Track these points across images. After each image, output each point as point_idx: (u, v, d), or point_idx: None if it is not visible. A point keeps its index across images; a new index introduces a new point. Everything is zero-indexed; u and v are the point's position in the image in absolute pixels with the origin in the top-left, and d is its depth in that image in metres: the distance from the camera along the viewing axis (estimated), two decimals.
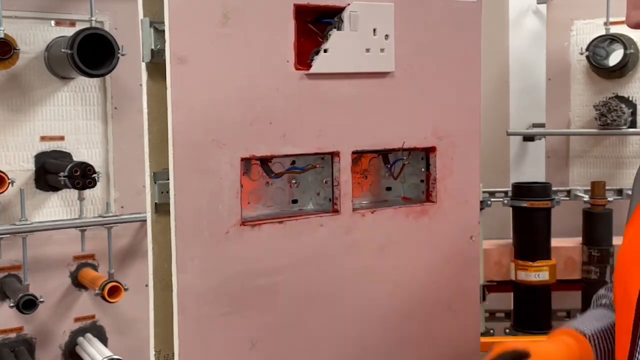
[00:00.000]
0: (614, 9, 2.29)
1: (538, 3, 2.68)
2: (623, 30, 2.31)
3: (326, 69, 1.00)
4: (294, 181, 1.07)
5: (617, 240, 2.18)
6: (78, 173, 1.86)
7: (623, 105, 2.29)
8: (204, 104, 0.92)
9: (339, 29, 1.01)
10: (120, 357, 1.93)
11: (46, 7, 1.98)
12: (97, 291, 1.96)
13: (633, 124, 2.33)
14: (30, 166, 1.98)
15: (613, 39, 2.27)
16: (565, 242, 2.31)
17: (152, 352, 0.99)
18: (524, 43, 2.77)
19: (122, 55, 1.89)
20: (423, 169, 1.13)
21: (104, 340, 2.10)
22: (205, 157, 0.92)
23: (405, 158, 1.11)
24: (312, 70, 0.99)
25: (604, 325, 1.01)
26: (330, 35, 1.00)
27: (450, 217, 1.14)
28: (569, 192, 2.34)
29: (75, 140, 2.04)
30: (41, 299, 1.92)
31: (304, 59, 1.00)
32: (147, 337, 0.99)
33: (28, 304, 1.88)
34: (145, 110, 0.96)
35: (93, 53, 1.87)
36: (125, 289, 1.99)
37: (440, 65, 1.10)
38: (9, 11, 1.89)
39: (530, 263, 2.19)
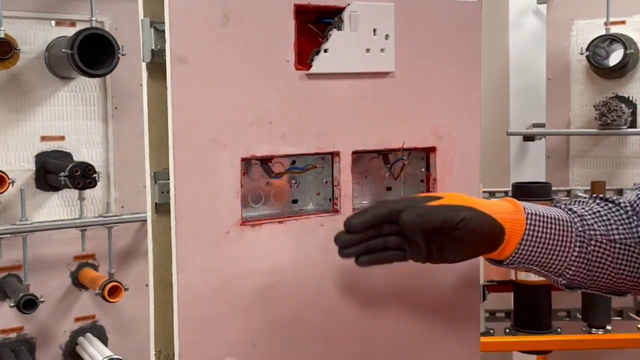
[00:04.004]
0: (614, 9, 2.28)
1: (538, 3, 2.68)
2: (623, 30, 2.31)
3: (326, 69, 1.00)
4: (294, 181, 1.07)
5: None
6: (78, 173, 1.86)
7: (623, 105, 2.29)
8: (204, 104, 0.92)
9: (339, 29, 1.01)
10: (121, 357, 1.94)
11: (46, 7, 1.98)
12: (97, 291, 1.97)
13: (633, 124, 2.33)
14: (31, 166, 1.98)
15: (613, 39, 2.27)
16: None
17: (152, 352, 0.99)
18: (524, 43, 2.77)
19: (122, 55, 1.89)
20: (423, 169, 1.13)
21: (104, 340, 2.10)
22: (205, 157, 0.92)
23: (405, 158, 1.11)
24: (312, 70, 0.99)
25: (548, 213, 0.94)
26: (330, 35, 1.00)
27: None
28: (569, 192, 2.34)
29: (76, 140, 2.04)
30: (41, 299, 1.92)
31: (304, 59, 1.00)
32: (147, 337, 0.99)
33: (28, 304, 1.88)
34: (145, 110, 0.96)
35: (93, 53, 1.88)
36: (126, 289, 1.99)
37: (441, 65, 1.10)
38: (9, 11, 1.90)
39: None
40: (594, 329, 2.21)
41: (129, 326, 2.15)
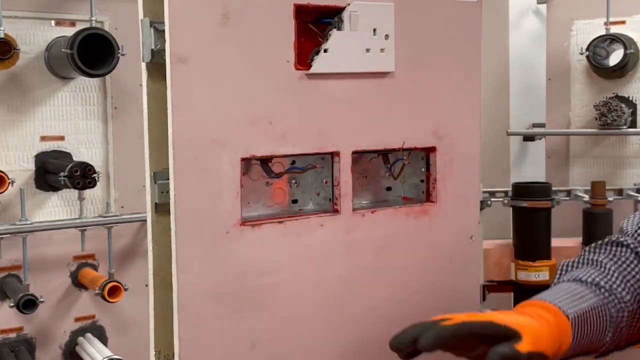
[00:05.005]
0: (614, 9, 2.28)
1: (538, 3, 2.68)
2: (623, 30, 2.31)
3: (326, 69, 1.00)
4: (294, 181, 1.07)
5: None
6: (78, 173, 1.86)
7: (623, 105, 2.29)
8: (204, 104, 0.92)
9: (339, 29, 1.01)
10: (120, 357, 1.93)
11: (46, 7, 1.98)
12: (97, 291, 1.96)
13: (633, 124, 2.32)
14: (31, 166, 1.98)
15: (613, 39, 2.27)
16: (565, 242, 2.30)
17: (152, 352, 0.99)
18: (524, 43, 2.77)
19: (122, 55, 1.89)
20: (423, 169, 1.13)
21: (104, 340, 2.10)
22: (205, 157, 0.92)
23: (405, 158, 1.11)
24: (312, 70, 0.99)
25: (585, 308, 0.94)
26: (330, 35, 1.00)
27: (450, 217, 1.14)
28: (569, 192, 2.34)
29: (75, 140, 2.04)
30: (41, 299, 1.92)
31: (304, 59, 1.00)
32: (147, 337, 0.99)
33: (28, 304, 1.88)
34: (145, 110, 0.96)
35: (93, 53, 1.88)
36: (125, 289, 1.99)
37: (441, 65, 1.10)
38: (9, 11, 1.90)
39: (531, 263, 2.18)
40: None
41: (129, 326, 2.14)
